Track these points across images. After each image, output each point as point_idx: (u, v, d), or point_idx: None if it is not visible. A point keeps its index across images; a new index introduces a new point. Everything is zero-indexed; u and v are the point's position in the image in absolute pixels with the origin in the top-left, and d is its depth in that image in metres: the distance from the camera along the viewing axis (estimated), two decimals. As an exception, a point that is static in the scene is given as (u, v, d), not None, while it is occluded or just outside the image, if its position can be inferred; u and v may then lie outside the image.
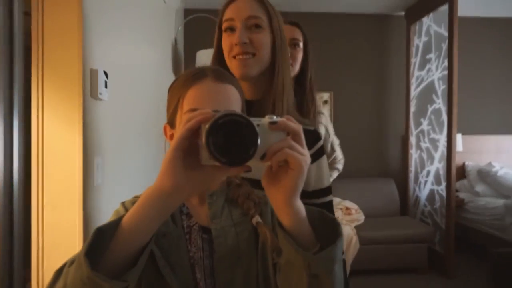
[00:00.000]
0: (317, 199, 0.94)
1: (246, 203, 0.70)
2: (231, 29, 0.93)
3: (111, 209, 1.68)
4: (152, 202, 0.51)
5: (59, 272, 0.55)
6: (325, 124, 1.54)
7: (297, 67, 1.42)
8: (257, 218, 0.68)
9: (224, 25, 0.95)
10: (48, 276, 1.43)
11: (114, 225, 0.52)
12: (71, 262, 0.52)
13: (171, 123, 0.69)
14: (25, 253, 1.48)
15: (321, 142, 0.96)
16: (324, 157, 0.96)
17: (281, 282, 0.60)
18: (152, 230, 0.53)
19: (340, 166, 1.82)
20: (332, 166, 1.78)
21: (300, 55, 1.43)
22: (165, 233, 0.66)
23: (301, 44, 1.43)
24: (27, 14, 1.41)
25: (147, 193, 0.51)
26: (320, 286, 0.54)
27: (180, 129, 0.49)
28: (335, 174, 1.82)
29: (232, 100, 0.65)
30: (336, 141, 1.73)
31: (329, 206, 0.95)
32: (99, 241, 0.51)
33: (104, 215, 1.55)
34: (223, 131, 0.46)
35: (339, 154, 1.79)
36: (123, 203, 0.72)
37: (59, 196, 1.40)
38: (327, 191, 0.95)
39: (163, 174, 0.49)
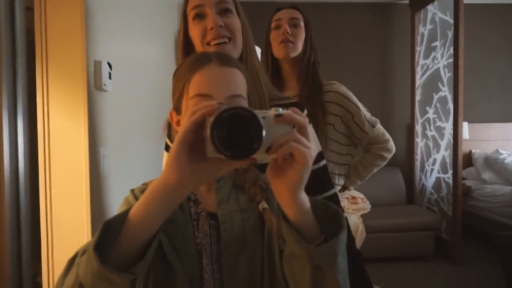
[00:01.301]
0: None
1: (252, 189, 0.70)
2: (201, 16, 0.91)
3: (117, 199, 1.70)
4: (158, 195, 0.51)
5: (71, 261, 0.56)
6: (341, 104, 1.40)
7: (299, 47, 1.41)
8: (263, 204, 0.68)
9: (193, 13, 0.92)
10: (57, 268, 1.45)
11: (122, 218, 0.53)
12: (83, 251, 0.53)
13: (177, 109, 0.68)
14: (33, 247, 1.50)
15: (305, 112, 0.95)
16: (310, 126, 0.97)
17: (286, 271, 0.60)
18: (158, 222, 0.53)
19: (385, 153, 1.46)
20: (372, 152, 1.48)
21: (301, 34, 1.41)
22: (172, 219, 0.66)
23: (301, 23, 1.42)
24: (29, 9, 1.42)
25: (153, 186, 0.51)
26: (323, 277, 0.54)
27: (184, 122, 0.49)
28: (379, 162, 1.49)
29: (238, 83, 0.65)
30: (370, 120, 1.43)
31: (324, 170, 0.94)
32: (108, 234, 0.51)
33: (111, 205, 1.57)
34: (227, 125, 0.46)
35: (379, 135, 1.45)
36: (132, 191, 0.72)
37: (67, 187, 1.42)
38: (319, 156, 0.93)
39: (168, 168, 0.49)
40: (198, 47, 0.93)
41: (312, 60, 1.43)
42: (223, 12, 0.91)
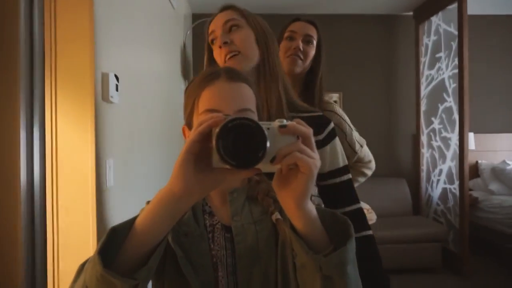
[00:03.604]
0: (334, 178, 0.96)
1: (265, 200, 0.71)
2: (215, 39, 1.00)
3: (123, 210, 1.70)
4: (163, 204, 0.52)
5: (81, 267, 0.57)
6: (337, 123, 1.44)
7: (307, 63, 1.41)
8: (276, 215, 0.67)
9: (209, 39, 1.02)
10: (63, 278, 1.45)
11: (128, 225, 0.54)
12: (91, 259, 0.53)
13: (189, 124, 0.70)
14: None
15: (331, 125, 0.98)
16: (337, 139, 0.99)
17: (299, 282, 0.60)
18: (164, 231, 0.54)
19: (367, 170, 1.58)
20: (355, 169, 1.57)
21: (312, 52, 1.41)
22: (187, 232, 0.67)
23: (314, 42, 1.41)
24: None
25: (159, 195, 0.52)
26: (334, 287, 0.54)
27: (191, 133, 0.50)
28: (360, 179, 1.60)
29: (246, 98, 0.66)
30: (359, 140, 1.51)
31: (348, 183, 0.97)
32: (114, 240, 0.52)
33: (116, 217, 1.57)
34: (232, 135, 0.47)
35: (365, 155, 1.55)
36: (148, 202, 0.72)
37: (73, 199, 1.42)
38: (343, 170, 0.97)
39: (174, 177, 0.50)
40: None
41: (321, 83, 1.42)
42: (232, 28, 0.98)
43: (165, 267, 0.64)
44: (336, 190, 0.97)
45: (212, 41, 1.01)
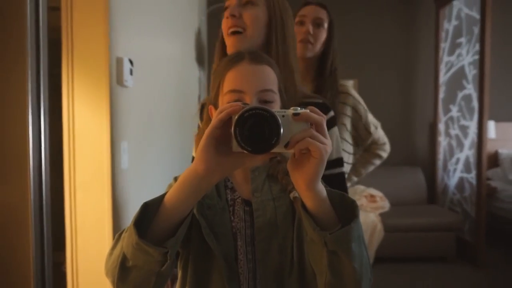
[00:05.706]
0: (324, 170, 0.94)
1: (285, 179, 0.75)
2: (228, 8, 0.96)
3: (137, 192, 1.75)
4: (188, 183, 0.58)
5: (118, 236, 0.65)
6: (352, 105, 1.47)
7: (318, 48, 1.41)
8: (294, 193, 0.71)
9: (224, 7, 0.98)
10: (81, 256, 1.52)
11: (158, 201, 0.61)
12: (128, 229, 0.61)
13: (215, 104, 0.75)
14: (57, 237, 1.56)
15: (331, 113, 0.96)
16: (336, 128, 0.96)
17: (309, 255, 0.66)
18: (189, 206, 0.61)
19: (383, 152, 1.63)
20: (371, 151, 1.62)
21: (323, 36, 1.40)
22: (210, 205, 0.74)
23: (325, 25, 1.41)
24: (56, 9, 1.49)
25: (185, 174, 0.59)
26: (339, 262, 0.59)
27: (213, 119, 0.55)
28: (376, 161, 1.64)
29: (268, 79, 0.70)
30: (373, 122, 1.56)
31: (339, 178, 0.95)
32: (146, 214, 0.60)
33: (131, 197, 1.62)
34: (248, 124, 0.52)
35: (379, 137, 1.60)
36: (175, 178, 0.79)
37: (89, 180, 1.48)
38: (336, 163, 0.94)
39: (197, 159, 0.56)
40: (226, 39, 0.96)
41: (333, 65, 1.42)
42: (247, 4, 0.94)
43: (191, 236, 0.71)
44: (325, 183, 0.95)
45: (226, 9, 0.97)
